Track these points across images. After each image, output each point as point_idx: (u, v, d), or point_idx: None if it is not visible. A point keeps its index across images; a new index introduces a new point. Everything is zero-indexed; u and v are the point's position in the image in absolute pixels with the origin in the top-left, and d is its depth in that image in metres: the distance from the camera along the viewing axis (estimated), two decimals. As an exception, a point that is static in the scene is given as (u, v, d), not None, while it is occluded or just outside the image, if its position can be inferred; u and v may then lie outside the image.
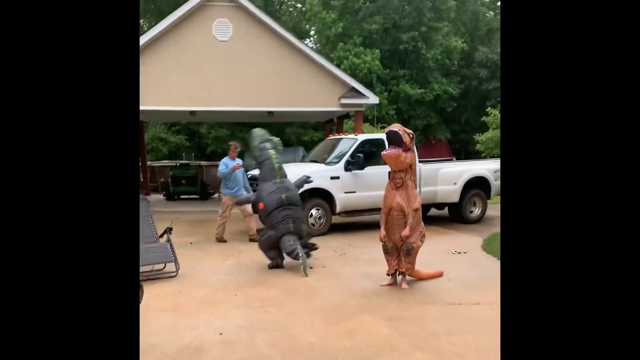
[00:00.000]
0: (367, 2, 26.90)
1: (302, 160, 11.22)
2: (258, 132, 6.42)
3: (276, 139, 6.48)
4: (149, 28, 10.83)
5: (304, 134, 23.73)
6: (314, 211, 8.54)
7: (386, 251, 5.17)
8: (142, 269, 5.38)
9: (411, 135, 4.93)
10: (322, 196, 8.62)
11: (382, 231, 5.12)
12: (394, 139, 4.86)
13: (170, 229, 5.80)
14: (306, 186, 8.32)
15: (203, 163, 18.88)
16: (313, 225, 8.53)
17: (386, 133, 4.98)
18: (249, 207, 7.78)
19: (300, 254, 5.74)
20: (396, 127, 4.92)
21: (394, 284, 5.19)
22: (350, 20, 26.08)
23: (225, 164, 8.19)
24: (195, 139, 24.42)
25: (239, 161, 8.10)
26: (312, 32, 30.25)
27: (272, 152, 6.18)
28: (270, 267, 6.03)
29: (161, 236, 5.83)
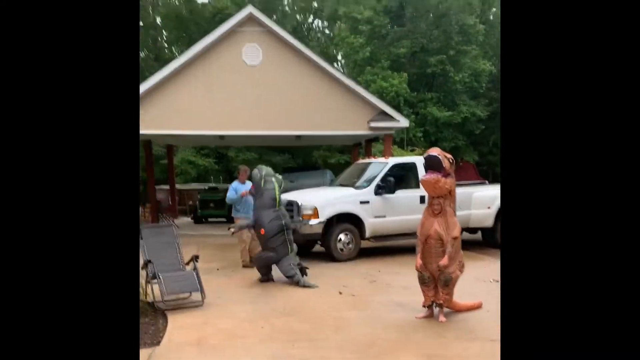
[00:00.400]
0: (395, 27, 26.98)
1: (331, 184, 11.03)
2: (264, 167, 7.00)
3: (280, 177, 7.01)
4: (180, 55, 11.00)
5: (330, 156, 23.61)
6: (342, 236, 8.29)
7: (422, 281, 4.87)
8: (167, 297, 5.22)
9: (451, 160, 4.70)
10: (351, 221, 8.38)
11: (419, 260, 4.83)
12: (433, 164, 4.61)
13: (197, 257, 5.65)
14: (335, 210, 8.17)
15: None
16: (341, 250, 8.27)
17: (425, 157, 4.75)
18: (244, 236, 7.74)
19: (301, 280, 6.39)
20: (435, 151, 4.68)
21: (430, 316, 4.87)
22: (377, 45, 26.13)
23: (235, 189, 8.03)
24: (223, 162, 24.59)
25: (248, 185, 7.85)
26: (339, 57, 30.42)
27: (276, 185, 6.70)
28: (262, 281, 6.66)
29: (187, 263, 5.68)
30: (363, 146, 15.18)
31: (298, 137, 12.78)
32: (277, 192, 6.65)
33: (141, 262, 5.35)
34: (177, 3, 28.78)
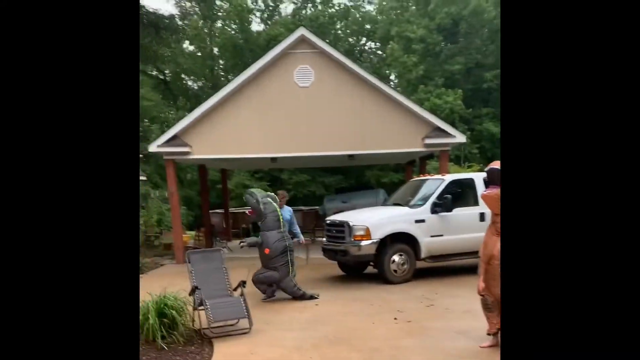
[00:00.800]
0: (449, 44, 26.52)
1: (384, 203, 10.67)
2: (256, 191, 7.24)
3: (272, 193, 7.36)
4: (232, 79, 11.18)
5: (383, 176, 23.23)
6: (396, 257, 7.90)
7: (486, 306, 4.43)
8: (214, 324, 5.05)
9: None
10: (406, 241, 7.99)
11: (481, 283, 4.40)
12: (496, 178, 4.21)
13: (244, 282, 5.48)
14: (388, 230, 7.83)
15: (283, 208, 18.91)
16: (395, 271, 7.88)
17: (486, 171, 4.41)
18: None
19: (306, 294, 6.83)
20: (498, 164, 4.26)
21: (496, 345, 4.40)
22: (431, 62, 25.76)
23: None
24: (277, 185, 24.75)
25: (288, 211, 7.96)
26: (392, 77, 30.22)
27: (275, 205, 6.97)
28: (267, 297, 6.91)
29: (235, 289, 5.53)
30: (417, 164, 14.74)
31: (351, 156, 12.56)
32: (279, 212, 6.91)
33: (189, 288, 5.26)
34: (233, 32, 29.70)
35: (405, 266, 7.96)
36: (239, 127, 11.09)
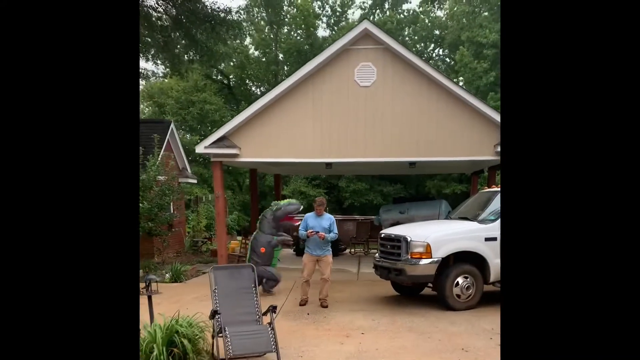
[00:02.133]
0: (524, 49, 24.70)
1: (448, 216, 9.52)
2: (282, 202, 8.59)
3: (293, 200, 8.79)
4: (287, 77, 10.44)
5: (445, 186, 21.84)
6: (460, 279, 6.81)
7: None
8: (232, 357, 4.17)
9: None
10: (473, 261, 6.88)
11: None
12: None
13: (275, 308, 4.64)
14: (453, 248, 6.77)
15: (337, 217, 17.91)
16: (458, 296, 6.78)
17: None
18: (327, 270, 7.23)
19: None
20: None
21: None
22: (503, 69, 24.03)
23: (306, 223, 7.28)
24: (334, 193, 23.96)
25: (325, 219, 7.29)
26: (460, 84, 28.68)
27: (271, 208, 8.36)
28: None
29: (265, 314, 4.70)
30: (486, 174, 13.39)
31: (412, 164, 11.50)
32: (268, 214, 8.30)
33: (210, 309, 4.51)
34: (298, 38, 29.41)
35: (470, 291, 6.84)
36: (292, 129, 10.33)
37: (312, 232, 7.06)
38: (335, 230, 7.31)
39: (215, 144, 10.33)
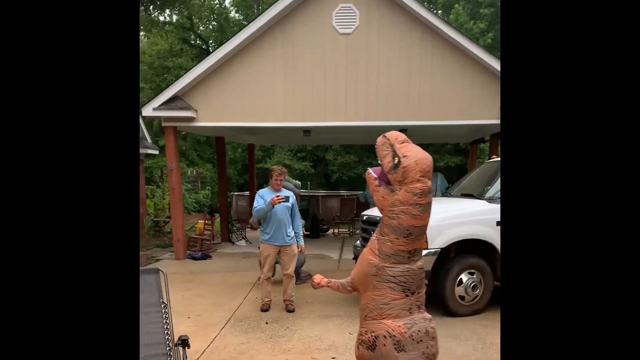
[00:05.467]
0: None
1: (446, 192, 7.86)
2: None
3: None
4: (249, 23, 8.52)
5: (438, 159, 20.16)
6: (464, 276, 5.23)
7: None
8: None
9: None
10: (480, 252, 5.28)
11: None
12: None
13: (185, 341, 3.01)
14: (454, 235, 5.15)
15: (320, 193, 16.14)
16: (462, 298, 5.22)
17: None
18: (291, 264, 5.48)
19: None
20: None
21: None
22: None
23: (262, 197, 5.38)
24: (321, 166, 22.27)
25: (290, 195, 5.48)
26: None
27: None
28: None
29: (176, 345, 3.08)
30: (488, 143, 11.75)
31: (404, 130, 9.80)
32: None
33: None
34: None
35: (477, 291, 5.27)
36: (258, 86, 8.56)
37: (279, 197, 5.18)
38: (298, 213, 5.61)
39: (166, 104, 8.54)
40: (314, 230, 11.88)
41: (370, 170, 2.66)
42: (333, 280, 3.01)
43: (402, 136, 2.58)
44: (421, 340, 2.53)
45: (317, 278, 3.06)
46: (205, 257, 9.15)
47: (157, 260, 8.85)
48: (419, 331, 2.54)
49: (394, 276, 2.54)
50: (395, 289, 2.54)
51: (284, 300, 5.56)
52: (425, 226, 2.59)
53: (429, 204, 2.55)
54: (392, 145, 2.53)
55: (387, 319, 2.55)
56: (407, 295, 2.56)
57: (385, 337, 2.52)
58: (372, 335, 2.60)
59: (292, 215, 5.44)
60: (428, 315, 2.69)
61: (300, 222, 5.63)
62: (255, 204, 5.38)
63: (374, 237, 2.68)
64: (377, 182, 2.59)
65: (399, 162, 2.47)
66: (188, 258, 8.97)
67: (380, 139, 2.60)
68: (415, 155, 2.49)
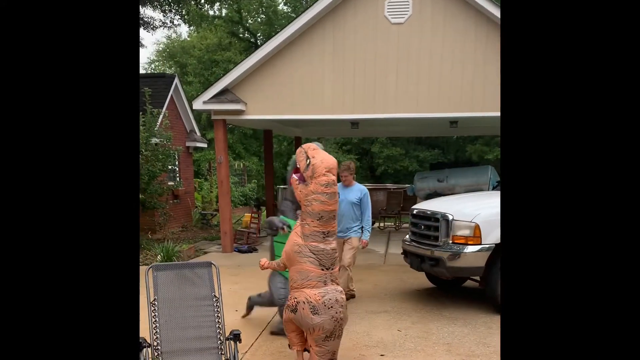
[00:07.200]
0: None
1: (498, 186, 7.58)
2: None
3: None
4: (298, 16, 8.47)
5: (488, 152, 19.56)
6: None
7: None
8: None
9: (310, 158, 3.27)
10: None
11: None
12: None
13: (238, 335, 3.04)
14: (492, 239, 4.92)
15: (365, 186, 15.97)
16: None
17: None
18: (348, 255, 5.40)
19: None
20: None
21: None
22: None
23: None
24: (366, 159, 22.10)
25: (359, 190, 5.46)
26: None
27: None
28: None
29: (228, 339, 3.10)
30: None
31: (454, 122, 9.55)
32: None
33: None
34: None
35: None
36: (307, 79, 8.52)
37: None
38: (369, 211, 5.46)
39: (216, 98, 8.66)
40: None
41: (293, 174, 3.41)
42: (272, 261, 3.77)
43: (314, 145, 3.36)
44: (332, 307, 3.16)
45: (263, 261, 3.76)
46: (252, 250, 9.25)
47: (205, 252, 9.01)
48: (330, 299, 3.17)
49: (313, 252, 3.19)
50: (314, 263, 3.19)
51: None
52: (334, 211, 3.24)
53: (335, 193, 3.21)
54: (306, 152, 3.26)
55: (307, 289, 3.19)
56: (322, 270, 3.21)
57: (304, 302, 3.16)
58: (295, 301, 3.23)
59: (361, 209, 5.37)
60: (340, 288, 3.30)
61: (369, 217, 5.53)
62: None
63: (297, 222, 3.38)
64: (297, 182, 3.31)
65: (309, 162, 3.19)
66: (235, 251, 9.08)
67: (298, 150, 3.35)
68: (321, 156, 3.21)
